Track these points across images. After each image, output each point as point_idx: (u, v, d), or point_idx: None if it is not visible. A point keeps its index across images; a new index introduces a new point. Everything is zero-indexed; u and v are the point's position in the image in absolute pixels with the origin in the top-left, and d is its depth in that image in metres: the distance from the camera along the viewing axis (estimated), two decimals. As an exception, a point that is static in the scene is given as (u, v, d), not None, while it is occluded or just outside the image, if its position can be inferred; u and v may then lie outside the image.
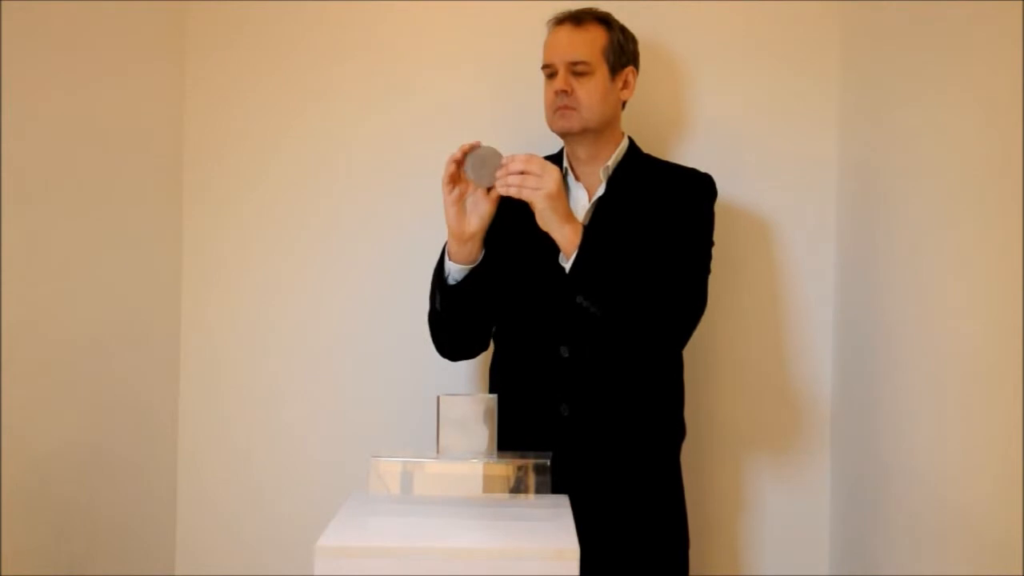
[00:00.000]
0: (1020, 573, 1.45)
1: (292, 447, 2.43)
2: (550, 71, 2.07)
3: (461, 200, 1.92)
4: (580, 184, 2.10)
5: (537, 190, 1.86)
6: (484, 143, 1.92)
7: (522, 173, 1.86)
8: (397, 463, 1.77)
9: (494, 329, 2.11)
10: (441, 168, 1.93)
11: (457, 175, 1.92)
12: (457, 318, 2.03)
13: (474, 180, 1.89)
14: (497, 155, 1.89)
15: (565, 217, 1.89)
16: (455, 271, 1.98)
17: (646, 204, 2.02)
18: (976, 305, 1.64)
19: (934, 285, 1.79)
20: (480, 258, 1.98)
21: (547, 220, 1.88)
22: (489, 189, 1.91)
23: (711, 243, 2.05)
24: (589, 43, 2.04)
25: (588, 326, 1.97)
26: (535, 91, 2.14)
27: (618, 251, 1.93)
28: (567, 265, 1.89)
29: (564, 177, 2.09)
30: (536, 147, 2.14)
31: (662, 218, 2.00)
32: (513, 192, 1.87)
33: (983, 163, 1.62)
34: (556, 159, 2.12)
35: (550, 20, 2.10)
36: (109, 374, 2.17)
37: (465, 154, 1.90)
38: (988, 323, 1.59)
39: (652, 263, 1.93)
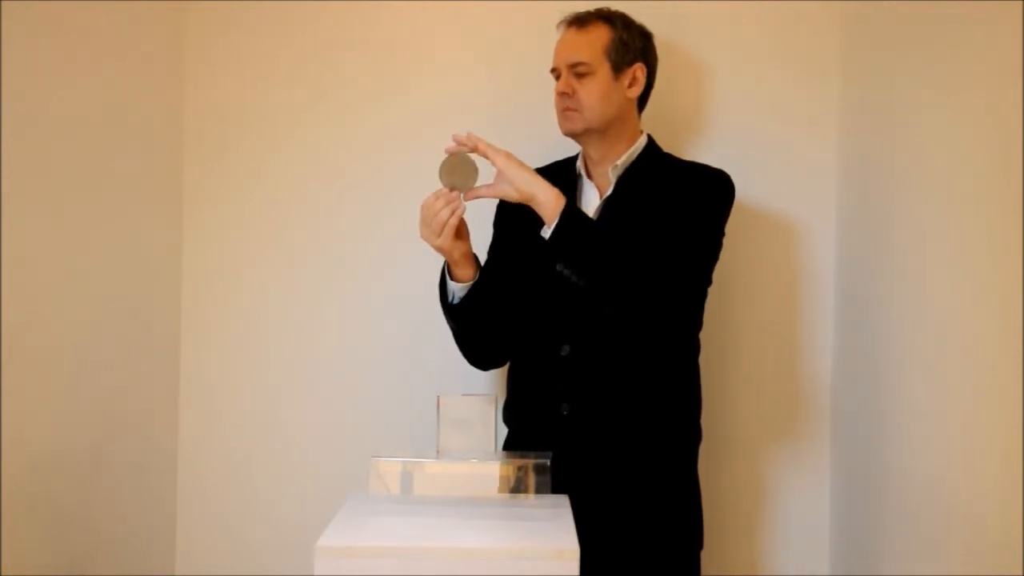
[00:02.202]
0: (1020, 573, 1.45)
1: (292, 447, 2.43)
2: (556, 74, 2.08)
3: (452, 231, 1.92)
4: (593, 184, 2.10)
5: (497, 151, 1.89)
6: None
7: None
8: (397, 463, 1.77)
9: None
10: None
11: (458, 227, 1.92)
12: (472, 333, 2.05)
13: (448, 185, 1.90)
14: (468, 160, 1.91)
15: (540, 178, 1.90)
16: (458, 290, 1.99)
17: (654, 201, 2.01)
18: (976, 305, 1.64)
19: (934, 285, 1.79)
20: (477, 272, 2.00)
21: (523, 179, 1.89)
22: (452, 189, 1.92)
23: (716, 231, 2.01)
24: (589, 44, 2.04)
25: (588, 323, 1.98)
26: (542, 92, 2.14)
27: (604, 224, 1.92)
28: (548, 232, 1.88)
29: (578, 178, 2.10)
30: (553, 150, 2.15)
31: (667, 212, 1.99)
32: (481, 144, 1.88)
33: (983, 163, 1.62)
34: (573, 161, 2.13)
35: (559, 24, 2.10)
36: (109, 374, 2.17)
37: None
38: (988, 323, 1.59)
39: (644, 242, 1.92)
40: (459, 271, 1.98)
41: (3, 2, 1.79)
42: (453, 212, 1.89)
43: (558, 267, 1.89)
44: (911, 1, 1.93)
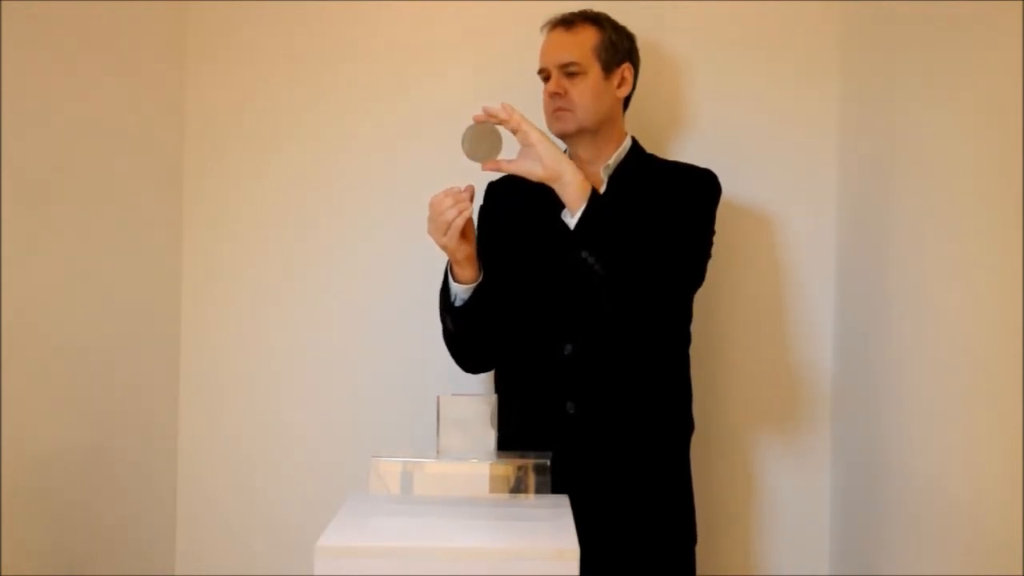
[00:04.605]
0: (1020, 574, 1.45)
1: (292, 447, 2.43)
2: (544, 75, 2.09)
3: (458, 232, 1.90)
4: None
5: (533, 126, 1.86)
6: None
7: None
8: (397, 463, 1.77)
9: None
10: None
11: (464, 228, 1.90)
12: (472, 336, 2.05)
13: (471, 155, 1.87)
14: (494, 131, 1.87)
15: (570, 161, 1.88)
16: (462, 291, 1.99)
17: (647, 200, 2.02)
18: (976, 304, 1.64)
19: (934, 284, 1.79)
20: (481, 273, 1.99)
21: (555, 157, 1.86)
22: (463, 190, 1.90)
23: (710, 230, 2.03)
24: (579, 44, 2.05)
25: (590, 321, 1.98)
26: (539, 93, 2.14)
27: (623, 213, 1.92)
28: (573, 220, 1.85)
29: None
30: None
31: (662, 210, 1.99)
32: (517, 116, 1.85)
33: (983, 163, 1.62)
34: None
35: (544, 25, 2.11)
36: (109, 374, 2.16)
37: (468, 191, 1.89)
38: (988, 321, 1.59)
39: (652, 237, 1.92)
40: (461, 272, 1.97)
41: (3, 2, 1.79)
42: (460, 213, 1.87)
43: (583, 254, 1.86)
44: (911, 1, 1.93)
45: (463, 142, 1.86)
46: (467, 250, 1.94)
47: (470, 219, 1.91)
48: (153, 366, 2.36)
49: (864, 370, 2.16)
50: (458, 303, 2.00)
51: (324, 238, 2.44)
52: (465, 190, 1.89)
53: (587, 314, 1.99)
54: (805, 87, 2.37)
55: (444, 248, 1.93)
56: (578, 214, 1.85)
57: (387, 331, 2.42)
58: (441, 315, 2.05)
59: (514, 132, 1.87)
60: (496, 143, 1.87)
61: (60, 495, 2.00)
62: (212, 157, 2.45)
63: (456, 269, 1.98)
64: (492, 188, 2.15)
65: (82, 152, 2.06)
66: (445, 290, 2.02)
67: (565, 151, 2.13)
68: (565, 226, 1.88)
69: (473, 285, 1.98)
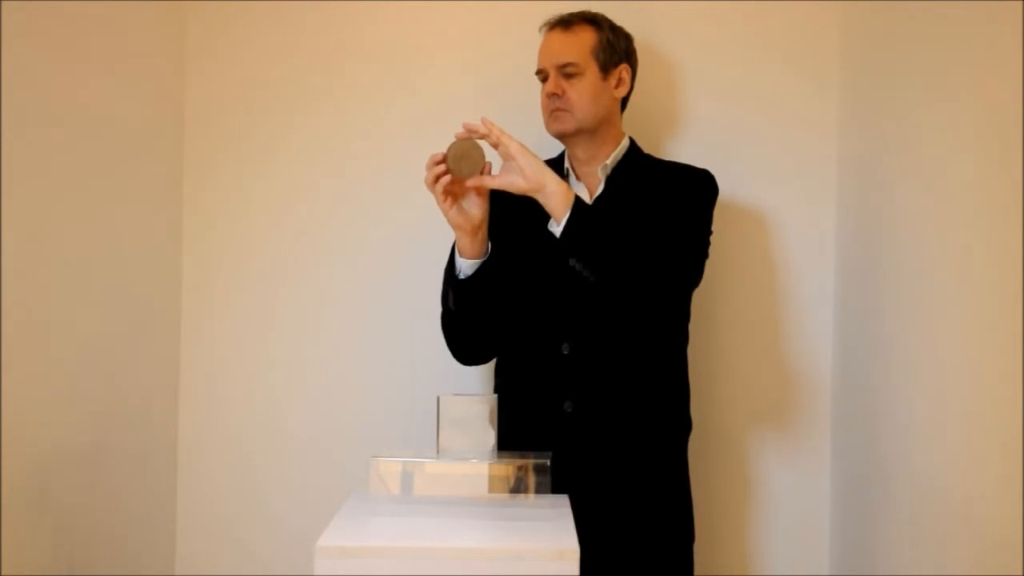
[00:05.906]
0: (1020, 574, 1.45)
1: (292, 447, 2.43)
2: (542, 76, 2.09)
3: (451, 195, 1.91)
4: (581, 184, 2.11)
5: (512, 139, 1.87)
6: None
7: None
8: (397, 463, 1.77)
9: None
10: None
11: (442, 173, 1.90)
12: (471, 316, 2.03)
13: (455, 172, 1.89)
14: (477, 147, 1.89)
15: (551, 170, 1.89)
16: (466, 267, 1.98)
17: (645, 200, 2.03)
18: (976, 303, 1.64)
19: (934, 284, 1.79)
20: (489, 251, 1.98)
21: (536, 168, 1.87)
22: (452, 183, 1.90)
23: (707, 230, 2.04)
24: (577, 45, 2.05)
25: (588, 320, 1.98)
26: (537, 93, 2.14)
27: (612, 218, 1.93)
28: (559, 228, 1.87)
29: (565, 178, 2.10)
30: (537, 150, 2.14)
31: (660, 210, 2.00)
32: (496, 130, 1.86)
33: (983, 163, 1.62)
34: (558, 161, 2.13)
35: (542, 26, 2.11)
36: (109, 374, 2.17)
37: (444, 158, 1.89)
38: (988, 321, 1.59)
39: (647, 237, 1.93)
40: (459, 242, 1.97)
41: (3, 2, 1.79)
42: (436, 178, 1.88)
43: (571, 262, 1.88)
44: (911, 1, 1.94)
45: (446, 160, 1.88)
46: (457, 218, 1.93)
47: (474, 195, 1.91)
48: (153, 366, 2.36)
49: (863, 370, 2.16)
50: (462, 278, 1.99)
51: (324, 238, 2.44)
52: (459, 176, 1.88)
53: (584, 315, 1.99)
54: (805, 87, 2.37)
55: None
56: (563, 223, 1.86)
57: (387, 331, 2.42)
58: (443, 291, 2.03)
59: (495, 146, 1.88)
60: (479, 158, 1.89)
61: (60, 495, 2.00)
62: (212, 157, 2.45)
63: (456, 240, 1.97)
64: None
65: (82, 152, 2.06)
66: (451, 266, 2.01)
67: (560, 155, 2.14)
68: (553, 234, 1.89)
69: (478, 262, 1.97)
